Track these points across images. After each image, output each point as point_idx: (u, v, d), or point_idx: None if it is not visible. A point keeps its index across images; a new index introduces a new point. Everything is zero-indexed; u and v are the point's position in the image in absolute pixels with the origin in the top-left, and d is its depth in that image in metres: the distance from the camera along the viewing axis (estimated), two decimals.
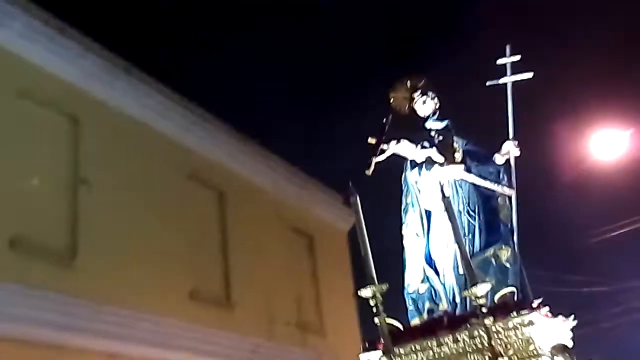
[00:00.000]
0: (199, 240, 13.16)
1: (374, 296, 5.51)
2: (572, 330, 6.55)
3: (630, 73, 16.21)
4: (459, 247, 5.83)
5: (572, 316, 6.53)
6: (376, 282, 5.52)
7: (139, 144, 12.47)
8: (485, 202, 6.99)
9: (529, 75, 7.15)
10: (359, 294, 5.64)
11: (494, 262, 6.72)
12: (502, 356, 5.49)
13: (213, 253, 13.62)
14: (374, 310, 5.56)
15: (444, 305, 6.78)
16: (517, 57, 7.16)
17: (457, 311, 6.65)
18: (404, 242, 7.12)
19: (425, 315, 6.81)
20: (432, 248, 6.98)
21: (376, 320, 5.59)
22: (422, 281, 6.91)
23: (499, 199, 7.04)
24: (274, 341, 13.88)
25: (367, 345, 6.59)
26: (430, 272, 6.92)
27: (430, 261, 6.97)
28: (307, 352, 14.77)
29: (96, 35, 11.96)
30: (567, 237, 18.50)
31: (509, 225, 6.97)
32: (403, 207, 7.20)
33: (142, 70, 12.77)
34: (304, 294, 15.61)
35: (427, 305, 6.85)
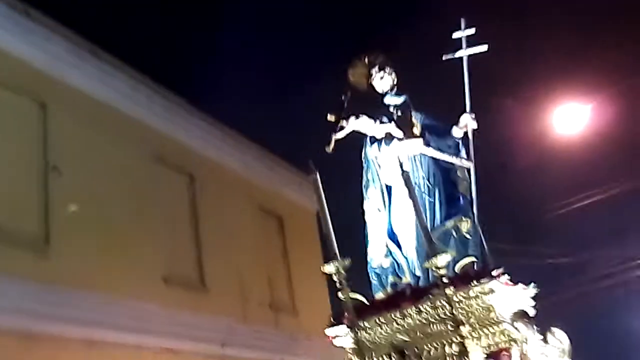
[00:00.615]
0: (170, 224, 13.08)
1: (337, 272, 5.55)
2: (534, 298, 6.62)
3: (591, 46, 16.32)
4: (419, 220, 5.87)
5: (532, 284, 6.61)
6: (338, 258, 5.56)
7: (107, 127, 12.24)
8: (445, 175, 7.00)
9: (484, 48, 7.18)
10: (322, 269, 5.67)
11: (454, 234, 6.73)
12: (463, 325, 5.56)
13: (185, 236, 13.53)
14: (338, 285, 5.61)
15: (407, 279, 6.78)
16: (472, 31, 7.18)
17: (420, 283, 6.69)
18: (366, 217, 7.12)
19: (389, 289, 6.82)
20: (394, 222, 6.96)
21: (340, 295, 5.64)
22: (385, 255, 6.91)
23: (457, 171, 7.05)
24: (248, 322, 13.91)
25: (332, 320, 6.62)
26: (392, 247, 6.92)
27: (392, 235, 6.96)
28: (280, 332, 14.82)
29: (61, 18, 11.71)
30: (531, 211, 18.65)
31: (468, 197, 7.01)
32: (364, 182, 7.19)
33: (109, 52, 12.52)
34: (276, 275, 15.65)
35: (390, 279, 6.85)
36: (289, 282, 16.09)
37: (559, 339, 6.53)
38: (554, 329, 6.52)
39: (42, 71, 11.30)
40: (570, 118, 14.38)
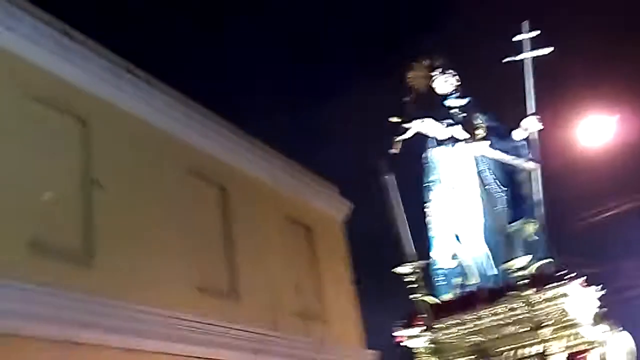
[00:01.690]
0: (204, 235, 12.93)
1: (412, 272, 5.32)
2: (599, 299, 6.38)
3: (615, 59, 16.10)
4: (497, 222, 5.67)
5: (600, 286, 6.36)
6: (415, 259, 5.33)
7: (145, 143, 12.20)
8: (509, 177, 6.77)
9: (548, 50, 6.89)
10: (396, 271, 5.44)
11: (521, 236, 6.47)
12: (544, 326, 5.33)
13: (218, 247, 13.36)
14: (413, 286, 5.37)
15: (473, 280, 6.53)
16: (535, 33, 6.90)
17: (489, 284, 6.42)
18: (430, 219, 6.84)
19: (455, 291, 6.57)
20: (459, 224, 6.71)
21: (415, 296, 5.39)
22: (452, 257, 6.67)
23: (522, 173, 6.83)
24: (279, 331, 13.66)
25: (404, 322, 6.34)
26: (459, 248, 6.67)
27: (458, 237, 6.72)
28: (310, 340, 14.54)
29: (97, 37, 11.70)
30: (558, 221, 18.33)
31: (534, 199, 6.76)
32: (427, 184, 6.94)
33: (144, 69, 12.47)
34: (305, 284, 15.41)
35: (457, 280, 6.61)
36: (318, 290, 15.81)
37: (625, 340, 6.29)
38: (619, 331, 6.27)
39: (82, 89, 11.24)
40: (596, 130, 14.16)
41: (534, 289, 5.64)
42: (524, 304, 5.49)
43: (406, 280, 5.40)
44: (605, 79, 15.30)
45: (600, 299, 6.33)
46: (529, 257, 5.52)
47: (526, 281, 5.31)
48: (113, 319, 10.20)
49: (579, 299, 5.91)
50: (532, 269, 6.04)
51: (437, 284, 6.62)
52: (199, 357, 11.71)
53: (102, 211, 10.82)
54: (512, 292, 5.75)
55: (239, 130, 14.59)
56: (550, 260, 6.29)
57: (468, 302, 6.17)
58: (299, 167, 16.24)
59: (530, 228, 6.52)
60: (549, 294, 5.83)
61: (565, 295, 5.85)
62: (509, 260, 5.26)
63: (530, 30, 6.89)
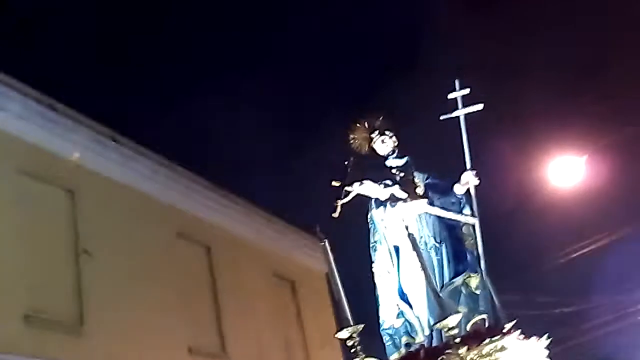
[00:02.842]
0: (191, 296, 12.89)
1: (350, 337, 5.25)
2: (547, 348, 6.26)
3: (583, 100, 16.08)
4: (427, 282, 5.60)
5: (546, 335, 6.25)
6: (351, 323, 5.25)
7: (131, 208, 12.25)
8: (450, 232, 6.61)
9: (479, 107, 6.87)
10: (336, 336, 5.37)
11: (463, 291, 6.34)
12: None
13: (206, 306, 13.35)
14: (352, 351, 5.30)
15: (420, 338, 6.39)
16: (466, 91, 6.88)
17: (433, 343, 6.32)
18: (375, 279, 6.72)
19: (402, 350, 6.39)
20: (404, 283, 6.54)
21: None
22: (397, 316, 6.48)
23: (462, 228, 6.66)
24: None
25: None
26: (404, 307, 6.48)
27: (403, 296, 6.54)
28: None
29: (82, 104, 11.87)
30: (533, 262, 18.22)
31: (475, 253, 6.68)
32: (371, 245, 6.79)
33: (126, 136, 12.58)
34: (291, 338, 15.30)
35: (404, 339, 6.40)
36: (304, 344, 15.65)
37: None
38: None
39: (67, 160, 11.30)
40: (566, 170, 14.14)
41: (470, 346, 5.53)
42: None
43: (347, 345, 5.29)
44: (573, 119, 15.32)
45: (549, 347, 6.24)
46: (459, 315, 5.43)
47: (459, 339, 5.23)
48: None
49: (516, 352, 5.79)
50: (467, 326, 5.98)
51: (385, 343, 6.55)
52: None
53: (91, 279, 10.83)
54: (448, 351, 5.66)
55: (221, 189, 14.55)
56: (485, 315, 6.23)
57: None
58: (281, 222, 16.12)
59: (473, 282, 6.45)
60: (486, 349, 5.71)
61: (502, 349, 5.73)
62: (442, 320, 5.17)
63: (461, 88, 6.90)
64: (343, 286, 5.45)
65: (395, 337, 6.49)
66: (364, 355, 5.34)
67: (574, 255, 17.28)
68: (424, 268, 5.64)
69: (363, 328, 5.34)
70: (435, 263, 6.50)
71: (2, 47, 12.28)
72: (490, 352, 5.70)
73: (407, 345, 6.43)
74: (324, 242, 5.43)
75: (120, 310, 10.99)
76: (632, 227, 16.29)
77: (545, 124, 15.78)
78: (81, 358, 10.02)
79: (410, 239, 5.92)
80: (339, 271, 5.56)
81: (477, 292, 6.43)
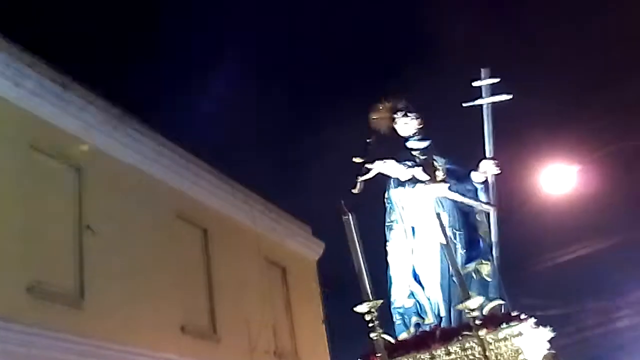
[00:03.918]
0: (186, 276, 12.78)
1: (369, 311, 5.05)
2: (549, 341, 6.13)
3: (579, 111, 16.07)
4: (451, 263, 5.44)
5: (551, 327, 6.11)
6: (371, 298, 5.06)
7: (134, 188, 12.17)
8: (465, 218, 6.45)
9: (507, 96, 6.64)
10: (355, 309, 5.17)
11: (475, 277, 6.17)
12: None
13: (200, 287, 13.24)
14: (370, 325, 5.10)
15: (429, 319, 6.21)
16: (495, 80, 6.60)
17: (443, 324, 6.13)
18: (389, 258, 6.52)
19: (412, 330, 6.23)
20: (417, 263, 6.41)
21: (372, 335, 5.11)
22: (409, 296, 6.32)
23: (477, 215, 6.50)
24: None
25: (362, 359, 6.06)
26: (416, 287, 6.31)
27: (415, 276, 6.39)
28: None
29: (94, 86, 11.80)
30: (522, 265, 18.18)
31: (488, 241, 6.51)
32: (387, 224, 6.59)
33: (134, 117, 12.51)
34: (280, 323, 15.16)
35: (414, 319, 6.23)
36: (291, 329, 15.55)
37: None
38: None
39: (77, 138, 11.29)
40: (559, 178, 14.08)
41: (487, 329, 5.39)
42: (477, 344, 5.24)
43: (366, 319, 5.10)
44: (569, 129, 15.29)
45: (551, 340, 6.11)
46: (482, 298, 5.28)
47: (479, 322, 5.07)
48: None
49: (531, 339, 5.66)
50: (486, 309, 5.83)
51: (394, 322, 6.39)
52: None
53: (92, 255, 10.76)
54: (466, 332, 5.50)
55: (222, 175, 14.50)
56: (502, 301, 6.09)
57: (423, 341, 5.83)
58: (276, 209, 16.07)
59: (485, 269, 6.29)
60: (503, 333, 5.55)
61: (519, 334, 5.58)
62: (463, 301, 5.00)
63: (490, 77, 6.68)
64: (364, 262, 5.24)
65: (406, 316, 6.31)
66: (381, 331, 5.13)
67: (560, 260, 17.26)
68: (449, 250, 5.46)
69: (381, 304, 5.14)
70: (450, 247, 6.32)
71: (20, 26, 12.19)
72: (507, 336, 5.56)
73: (417, 325, 6.26)
74: (348, 215, 5.19)
75: (119, 287, 10.91)
76: (619, 236, 16.29)
77: (543, 131, 15.72)
78: (80, 330, 9.96)
79: (427, 221, 5.76)
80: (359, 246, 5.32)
81: (488, 279, 6.24)
